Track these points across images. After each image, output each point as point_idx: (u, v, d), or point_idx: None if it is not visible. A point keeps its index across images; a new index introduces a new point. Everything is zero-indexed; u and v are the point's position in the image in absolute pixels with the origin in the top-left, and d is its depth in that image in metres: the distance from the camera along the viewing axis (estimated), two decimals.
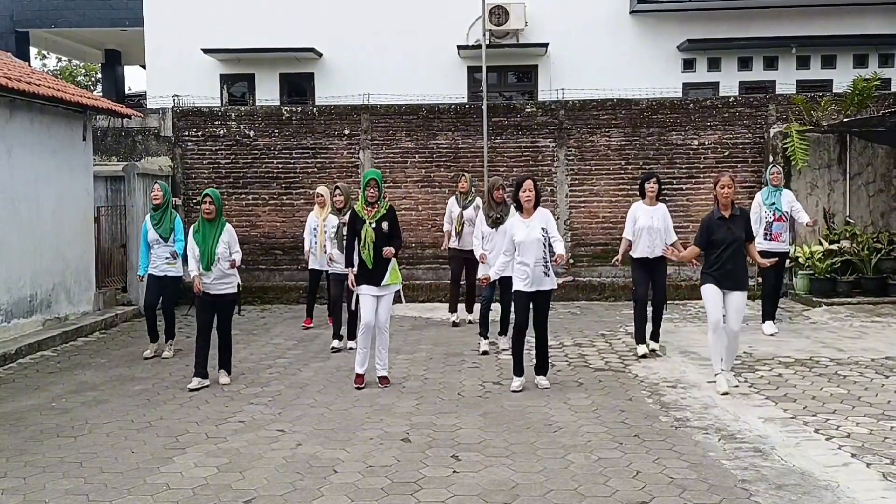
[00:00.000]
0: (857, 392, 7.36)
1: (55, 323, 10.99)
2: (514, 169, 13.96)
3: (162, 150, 14.54)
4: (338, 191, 9.90)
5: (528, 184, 7.58)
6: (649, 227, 8.88)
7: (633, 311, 9.37)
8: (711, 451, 5.84)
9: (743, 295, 7.47)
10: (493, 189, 9.64)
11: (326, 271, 10.48)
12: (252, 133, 14.54)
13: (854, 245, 12.65)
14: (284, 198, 14.50)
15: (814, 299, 12.27)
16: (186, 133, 14.59)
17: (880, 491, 5.07)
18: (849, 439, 6.03)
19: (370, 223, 7.74)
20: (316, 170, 14.35)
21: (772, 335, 10.09)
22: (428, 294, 13.69)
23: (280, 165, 14.46)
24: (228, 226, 8.19)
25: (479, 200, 10.99)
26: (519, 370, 7.71)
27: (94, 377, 8.58)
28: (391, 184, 14.27)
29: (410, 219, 14.01)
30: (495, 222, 9.40)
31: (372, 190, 7.79)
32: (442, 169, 14.01)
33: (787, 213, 10.21)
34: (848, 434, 6.16)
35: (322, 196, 10.89)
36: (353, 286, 8.01)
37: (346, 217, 8.82)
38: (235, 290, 8.16)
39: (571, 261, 14.03)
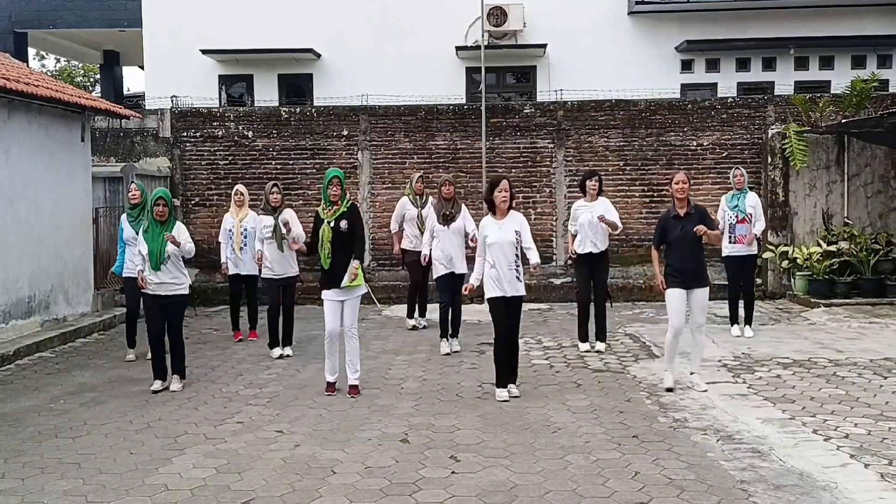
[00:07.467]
0: (856, 393, 7.37)
1: (53, 324, 10.98)
2: (513, 170, 13.97)
3: (160, 150, 14.52)
4: (274, 189, 9.60)
5: (504, 184, 7.42)
6: (590, 222, 9.20)
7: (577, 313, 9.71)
8: (710, 452, 5.85)
9: (705, 291, 7.61)
10: (441, 186, 9.70)
11: (256, 276, 10.00)
12: (251, 134, 14.53)
13: (852, 246, 12.65)
14: None
15: (812, 300, 12.28)
16: (185, 134, 14.58)
17: (878, 492, 5.08)
18: (847, 440, 6.04)
19: (328, 221, 7.54)
20: (314, 171, 14.34)
21: (738, 337, 10.01)
22: None
23: (279, 166, 14.45)
24: (179, 224, 8.04)
25: (432, 200, 10.93)
26: (503, 381, 7.42)
27: (92, 378, 8.57)
28: (390, 184, 14.27)
29: None
30: (446, 219, 9.42)
31: (334, 188, 7.57)
32: (440, 170, 13.96)
33: (750, 214, 10.07)
34: (846, 435, 6.17)
35: (241, 195, 10.44)
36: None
37: (285, 215, 8.65)
38: (186, 292, 8.02)
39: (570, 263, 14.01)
